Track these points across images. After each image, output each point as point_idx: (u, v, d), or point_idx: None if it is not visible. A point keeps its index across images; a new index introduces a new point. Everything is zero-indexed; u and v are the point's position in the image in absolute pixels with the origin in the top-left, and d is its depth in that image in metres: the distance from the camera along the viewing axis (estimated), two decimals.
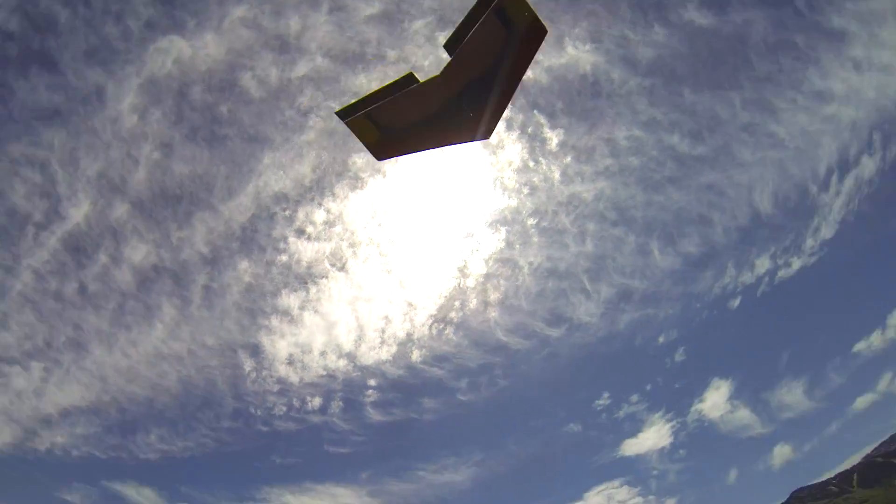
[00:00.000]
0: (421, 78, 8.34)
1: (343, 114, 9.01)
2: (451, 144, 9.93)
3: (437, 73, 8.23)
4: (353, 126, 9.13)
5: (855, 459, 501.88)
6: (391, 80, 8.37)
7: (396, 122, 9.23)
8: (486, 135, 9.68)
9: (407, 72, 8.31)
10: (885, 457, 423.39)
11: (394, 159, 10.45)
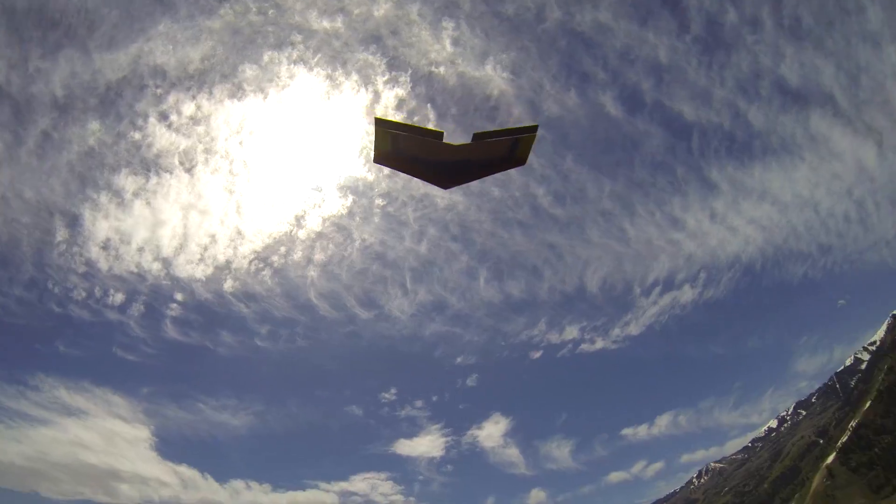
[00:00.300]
0: (446, 139, 12.55)
1: (381, 122, 12.65)
2: (423, 180, 14.60)
3: (453, 142, 12.63)
4: (378, 131, 12.71)
5: None
6: (426, 127, 12.43)
7: (406, 149, 13.22)
8: (447, 188, 15.05)
9: (440, 130, 12.34)
10: None
11: (381, 167, 14.35)
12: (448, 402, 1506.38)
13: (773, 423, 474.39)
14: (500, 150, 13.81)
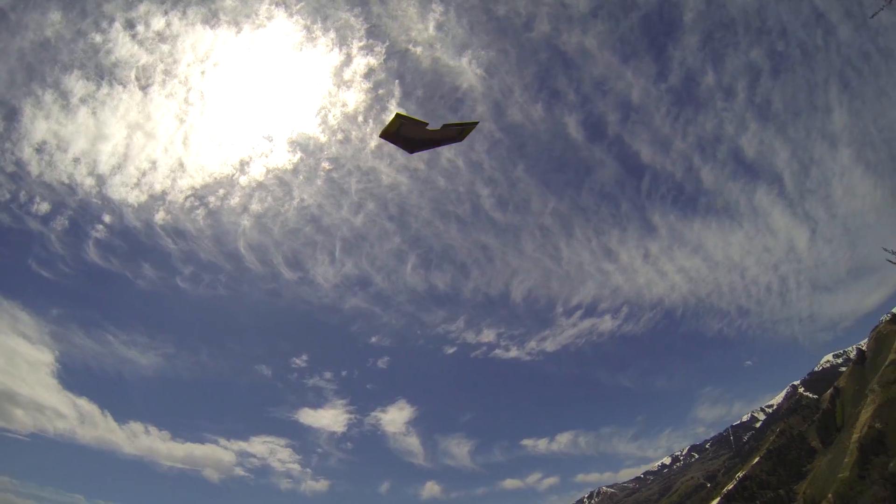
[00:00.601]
0: (431, 127, 20.02)
1: (401, 116, 19.48)
2: (400, 147, 21.40)
3: (434, 127, 20.13)
4: (396, 120, 19.27)
5: None
6: (423, 121, 19.34)
7: (405, 132, 19.81)
8: (413, 153, 21.77)
9: (426, 121, 19.41)
10: None
11: (387, 143, 21.28)
12: (357, 380, 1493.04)
13: (667, 460, 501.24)
14: (453, 133, 21.72)
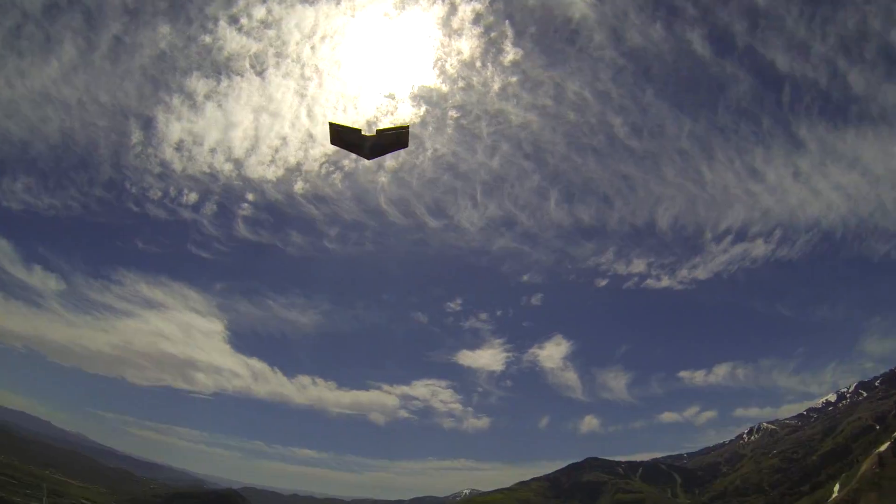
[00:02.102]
0: (364, 132, 21.30)
1: (333, 125, 21.79)
2: (357, 154, 23.49)
3: (367, 133, 20.87)
4: (331, 129, 21.84)
5: (644, 457, 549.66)
6: (352, 126, 21.05)
7: (346, 137, 21.68)
8: (370, 159, 24.02)
9: (358, 127, 20.68)
10: (668, 465, 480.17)
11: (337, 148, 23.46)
12: (512, 319, 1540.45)
13: (832, 398, 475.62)
14: (392, 138, 23.00)
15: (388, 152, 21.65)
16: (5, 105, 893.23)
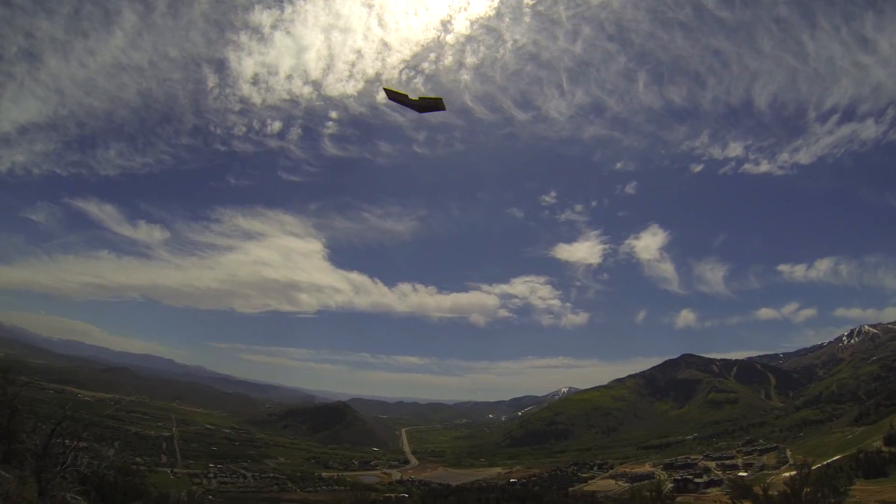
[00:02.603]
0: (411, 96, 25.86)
1: (387, 90, 26.36)
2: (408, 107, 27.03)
3: (412, 96, 25.93)
4: (386, 92, 26.79)
5: (739, 355, 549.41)
6: (401, 92, 25.90)
7: (397, 99, 26.27)
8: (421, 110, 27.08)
9: (405, 93, 25.68)
10: (763, 365, 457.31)
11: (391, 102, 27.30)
12: (607, 209, 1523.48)
13: None
14: (431, 104, 26.25)
15: (430, 111, 26.73)
16: (83, 84, 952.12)
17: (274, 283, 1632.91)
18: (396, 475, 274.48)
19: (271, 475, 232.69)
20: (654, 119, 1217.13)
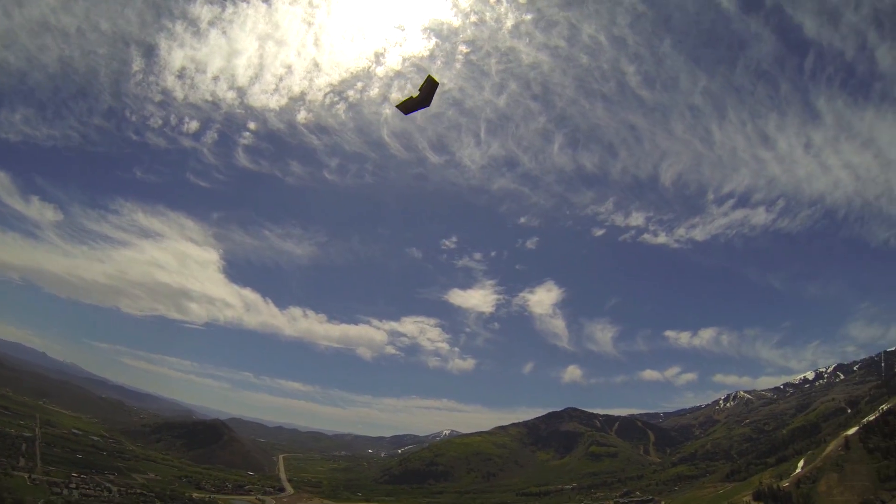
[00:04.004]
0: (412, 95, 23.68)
1: (400, 107, 24.31)
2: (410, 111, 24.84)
3: (414, 95, 23.14)
4: (400, 108, 24.27)
5: (622, 412, 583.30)
6: (412, 97, 23.79)
7: (409, 106, 23.62)
8: (407, 113, 25.04)
9: (412, 96, 23.96)
10: (644, 422, 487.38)
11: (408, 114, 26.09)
12: (506, 261, 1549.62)
13: (810, 375, 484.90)
14: (427, 93, 25.45)
15: (432, 94, 23.93)
16: (3, 35, 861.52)
17: (165, 287, 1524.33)
18: (271, 502, 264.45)
19: (139, 491, 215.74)
20: (564, 180, 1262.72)
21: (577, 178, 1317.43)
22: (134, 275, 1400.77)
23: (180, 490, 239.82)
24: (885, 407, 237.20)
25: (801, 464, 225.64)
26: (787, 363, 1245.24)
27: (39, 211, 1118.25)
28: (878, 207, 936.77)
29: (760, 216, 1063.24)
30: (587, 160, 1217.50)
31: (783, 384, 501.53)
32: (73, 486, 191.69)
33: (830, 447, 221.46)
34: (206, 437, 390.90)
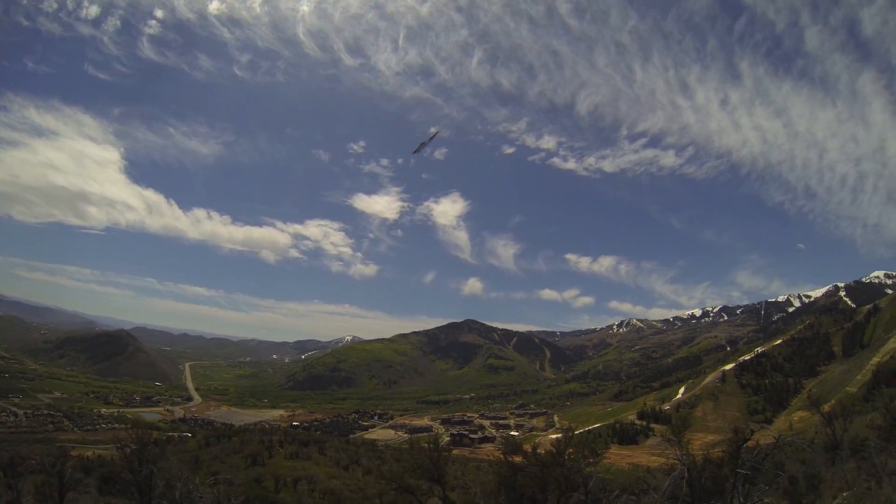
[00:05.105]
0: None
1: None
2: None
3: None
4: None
5: (520, 328, 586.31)
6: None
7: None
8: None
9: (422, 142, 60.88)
10: (541, 339, 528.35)
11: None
12: (412, 169, 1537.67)
13: (697, 312, 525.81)
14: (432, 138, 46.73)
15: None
16: None
17: (62, 190, 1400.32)
18: (180, 412, 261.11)
19: (46, 412, 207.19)
20: (478, 95, 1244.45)
21: (492, 94, 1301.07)
22: (26, 178, 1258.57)
23: (88, 406, 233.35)
24: (759, 349, 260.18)
25: (682, 390, 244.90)
26: (677, 298, 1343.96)
27: None
28: (778, 172, 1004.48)
29: (669, 159, 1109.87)
30: (505, 78, 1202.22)
31: (673, 317, 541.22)
32: None
33: (708, 378, 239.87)
34: (110, 350, 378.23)
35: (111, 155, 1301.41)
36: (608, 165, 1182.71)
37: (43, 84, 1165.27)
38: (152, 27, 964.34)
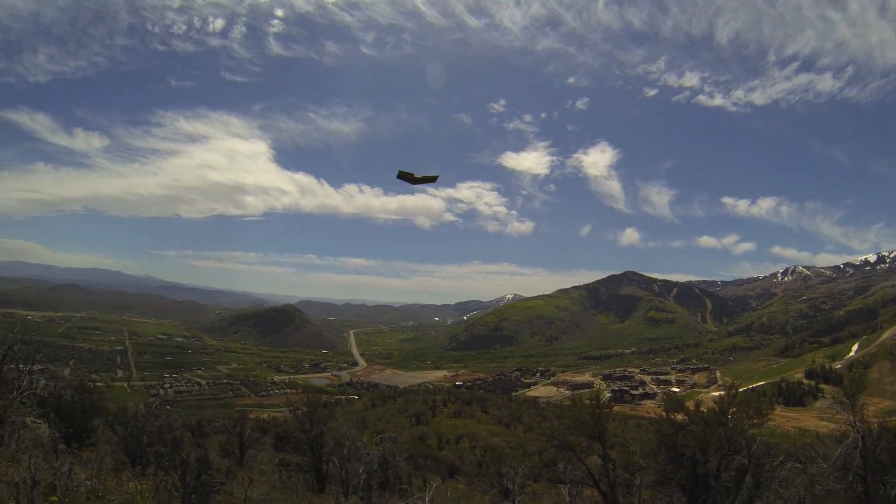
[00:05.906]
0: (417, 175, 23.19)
1: (400, 175, 23.11)
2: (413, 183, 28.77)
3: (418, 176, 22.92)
4: (399, 175, 22.81)
5: (680, 277, 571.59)
6: (408, 173, 23.46)
7: (405, 178, 25.63)
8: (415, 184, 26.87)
9: (412, 172, 23.49)
10: (701, 290, 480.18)
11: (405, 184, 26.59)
12: (557, 122, 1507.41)
13: (872, 258, 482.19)
14: (430, 179, 26.56)
15: (428, 184, 27.34)
16: None
17: (219, 186, 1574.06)
18: (346, 377, 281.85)
19: (225, 381, 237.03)
20: (611, 39, 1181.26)
21: (625, 36, 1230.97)
22: (187, 180, 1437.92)
23: (261, 375, 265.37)
24: None
25: (855, 347, 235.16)
26: (848, 242, 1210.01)
27: (85, 141, 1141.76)
28: None
29: (827, 83, 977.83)
30: (635, 17, 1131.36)
31: (843, 263, 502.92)
32: (167, 385, 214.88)
33: (886, 334, 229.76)
34: (279, 323, 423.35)
35: (259, 147, 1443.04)
36: (759, 97, 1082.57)
37: (188, 97, 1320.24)
38: (276, 26, 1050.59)
